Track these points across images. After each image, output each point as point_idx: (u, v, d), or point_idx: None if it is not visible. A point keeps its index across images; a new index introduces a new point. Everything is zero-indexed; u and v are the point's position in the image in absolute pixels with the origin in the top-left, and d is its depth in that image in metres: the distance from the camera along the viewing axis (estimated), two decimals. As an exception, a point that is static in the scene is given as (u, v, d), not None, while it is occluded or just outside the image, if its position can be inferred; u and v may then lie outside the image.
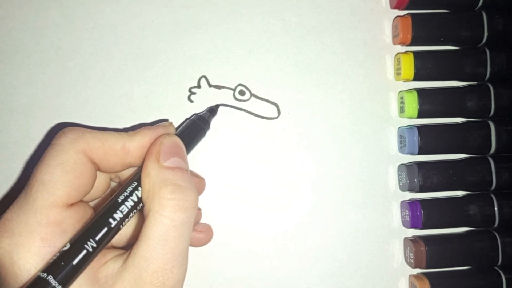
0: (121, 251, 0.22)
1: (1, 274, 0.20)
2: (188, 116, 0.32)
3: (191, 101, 0.32)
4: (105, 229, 0.21)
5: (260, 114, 0.32)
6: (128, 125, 0.32)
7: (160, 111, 0.32)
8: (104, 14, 0.32)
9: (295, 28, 0.33)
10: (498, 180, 0.31)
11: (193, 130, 0.27)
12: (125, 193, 0.22)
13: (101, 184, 0.25)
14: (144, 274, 0.20)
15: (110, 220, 0.21)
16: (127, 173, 0.26)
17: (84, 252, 0.20)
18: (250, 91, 0.32)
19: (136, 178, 0.23)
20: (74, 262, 0.19)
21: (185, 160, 0.23)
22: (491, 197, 0.32)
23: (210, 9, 0.32)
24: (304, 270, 0.32)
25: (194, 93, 0.32)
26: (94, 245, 0.20)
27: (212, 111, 0.30)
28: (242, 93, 0.32)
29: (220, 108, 0.32)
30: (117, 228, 0.21)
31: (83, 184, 0.21)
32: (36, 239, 0.19)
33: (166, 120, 0.32)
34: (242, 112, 0.32)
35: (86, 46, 0.32)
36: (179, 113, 0.32)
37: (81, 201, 0.22)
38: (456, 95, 0.32)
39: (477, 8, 0.32)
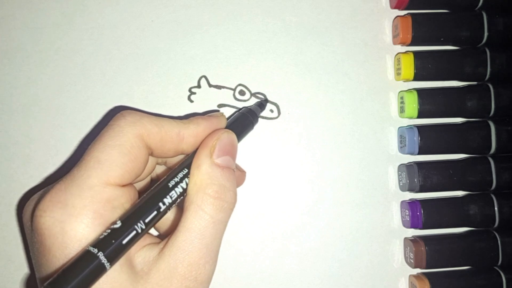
0: (156, 240, 0.23)
1: (46, 244, 0.20)
2: (186, 115, 0.32)
3: (191, 101, 0.32)
4: (155, 212, 0.21)
5: (260, 114, 0.32)
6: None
7: (160, 111, 0.32)
8: (104, 14, 0.32)
9: (295, 28, 0.33)
10: (498, 180, 0.31)
11: (243, 124, 0.28)
12: (176, 179, 0.22)
13: (148, 168, 0.25)
14: (179, 266, 0.20)
15: (160, 204, 0.21)
16: (176, 159, 0.26)
17: (134, 232, 0.20)
18: (250, 91, 0.32)
19: (187, 165, 0.23)
20: (124, 242, 0.20)
21: (235, 160, 0.24)
22: (491, 197, 0.32)
23: (210, 9, 0.32)
24: (304, 270, 0.32)
25: (194, 93, 0.32)
26: (143, 226, 0.20)
27: (261, 105, 0.31)
28: (242, 93, 0.32)
29: (220, 109, 0.32)
30: (164, 213, 0.22)
31: (136, 168, 0.22)
32: (89, 212, 0.20)
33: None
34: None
35: (86, 46, 0.32)
36: (179, 113, 0.32)
37: (130, 183, 0.22)
38: (456, 95, 0.32)
39: (477, 8, 0.32)
